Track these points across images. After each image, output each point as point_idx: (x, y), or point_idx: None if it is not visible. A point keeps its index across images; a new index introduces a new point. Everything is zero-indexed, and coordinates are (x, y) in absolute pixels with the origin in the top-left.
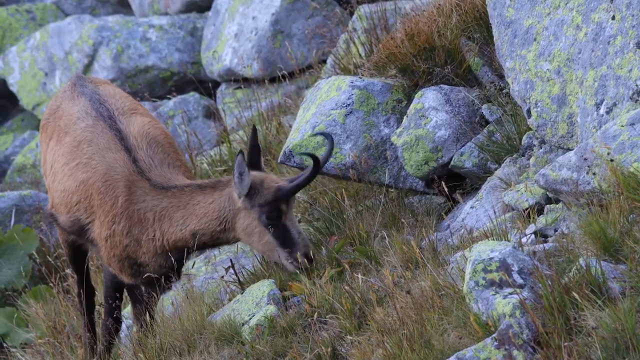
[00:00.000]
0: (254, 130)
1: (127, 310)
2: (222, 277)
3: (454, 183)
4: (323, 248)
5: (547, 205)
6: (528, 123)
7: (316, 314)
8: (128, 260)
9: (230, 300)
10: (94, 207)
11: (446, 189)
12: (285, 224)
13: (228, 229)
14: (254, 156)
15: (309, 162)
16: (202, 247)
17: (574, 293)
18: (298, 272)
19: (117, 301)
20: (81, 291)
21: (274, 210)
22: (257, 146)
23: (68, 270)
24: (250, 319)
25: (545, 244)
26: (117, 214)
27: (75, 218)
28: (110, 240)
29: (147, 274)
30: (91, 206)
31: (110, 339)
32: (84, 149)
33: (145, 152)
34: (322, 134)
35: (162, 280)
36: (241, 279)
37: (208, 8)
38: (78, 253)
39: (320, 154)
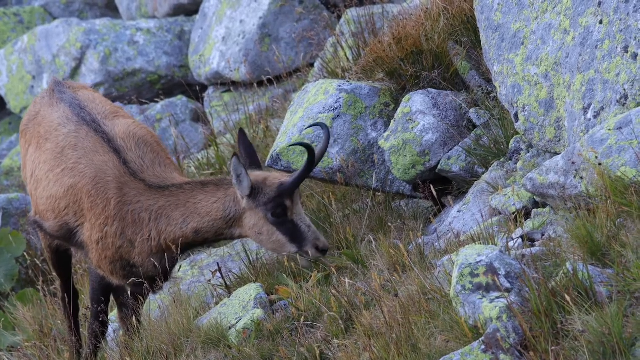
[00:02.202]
0: (242, 132)
1: (113, 314)
2: (209, 280)
3: (441, 187)
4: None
5: (535, 209)
6: (515, 127)
7: (303, 317)
8: (121, 261)
9: (217, 303)
10: (84, 210)
11: (435, 193)
12: (293, 219)
13: (234, 227)
14: (252, 156)
15: (297, 165)
16: (204, 242)
17: (566, 296)
18: (312, 265)
19: (103, 305)
20: (65, 295)
21: (279, 207)
22: (250, 145)
23: (53, 273)
24: (237, 322)
25: (532, 248)
26: (109, 216)
27: (64, 222)
28: (102, 242)
29: (139, 274)
30: (81, 209)
31: (97, 343)
32: (68, 154)
33: (135, 153)
34: (318, 124)
35: (156, 281)
36: (228, 283)
37: (196, 11)
38: (62, 258)
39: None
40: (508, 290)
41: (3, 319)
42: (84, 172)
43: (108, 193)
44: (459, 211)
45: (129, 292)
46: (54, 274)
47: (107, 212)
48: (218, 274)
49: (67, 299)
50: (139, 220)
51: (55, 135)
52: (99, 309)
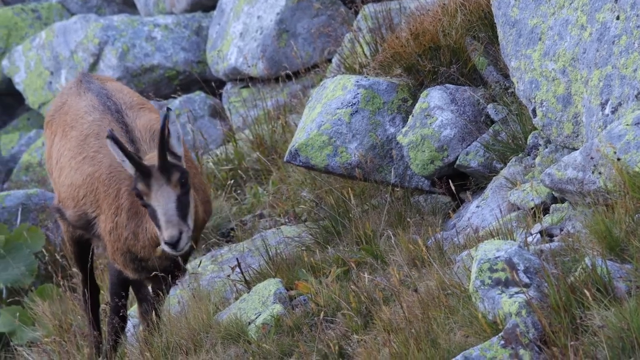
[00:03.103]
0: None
1: (133, 309)
2: (229, 275)
3: (459, 182)
4: (329, 247)
5: (553, 205)
6: (533, 122)
7: (322, 313)
8: (129, 254)
9: (236, 299)
10: (100, 200)
11: (453, 188)
12: (150, 204)
13: None
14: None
15: (315, 161)
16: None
17: (584, 291)
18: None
19: (122, 299)
20: (85, 290)
21: (134, 190)
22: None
23: (74, 269)
24: (256, 317)
25: (551, 243)
26: (119, 206)
27: (82, 212)
28: (113, 233)
29: (148, 269)
30: (97, 200)
31: (116, 338)
32: (90, 142)
33: (148, 145)
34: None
35: (169, 277)
36: (247, 278)
37: (213, 7)
38: (83, 250)
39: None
40: (527, 286)
41: (22, 315)
42: (102, 161)
43: (119, 183)
44: (477, 206)
45: (149, 287)
46: (75, 267)
47: (118, 201)
48: (237, 269)
49: (87, 294)
50: (140, 212)
51: (80, 123)
52: (119, 303)
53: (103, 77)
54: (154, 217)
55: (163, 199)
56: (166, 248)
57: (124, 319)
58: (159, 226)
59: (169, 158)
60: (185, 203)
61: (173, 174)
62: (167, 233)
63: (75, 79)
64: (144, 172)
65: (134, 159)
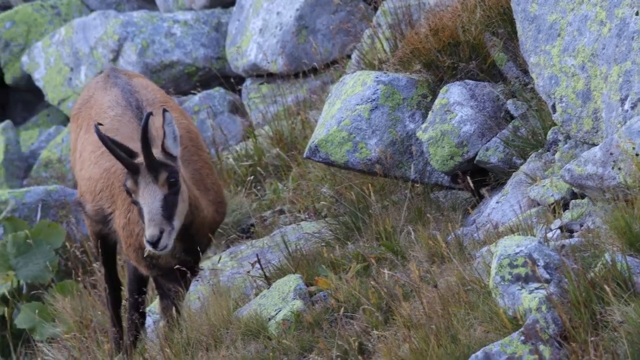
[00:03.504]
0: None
1: (153, 305)
2: (249, 272)
3: (479, 178)
4: (348, 243)
5: (573, 200)
6: (553, 118)
7: (342, 308)
8: (141, 250)
9: (256, 295)
10: (115, 195)
11: (472, 184)
12: (138, 201)
13: None
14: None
15: (335, 157)
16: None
17: (604, 286)
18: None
19: (141, 295)
20: (107, 285)
21: (125, 189)
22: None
23: (95, 265)
24: (276, 313)
25: (570, 239)
26: (130, 200)
27: (99, 207)
28: (126, 228)
29: (163, 267)
30: (112, 195)
31: (136, 334)
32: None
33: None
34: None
35: (188, 274)
36: (267, 274)
37: (232, 3)
38: (106, 245)
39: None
40: (547, 281)
41: (43, 311)
42: None
43: None
44: (497, 202)
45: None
46: (98, 262)
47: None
48: (257, 265)
49: (108, 289)
50: None
51: (103, 118)
52: (138, 300)
53: (131, 72)
54: (140, 214)
55: (149, 197)
56: (147, 246)
57: (143, 315)
58: (143, 222)
59: (162, 158)
60: (172, 203)
61: (161, 173)
62: (148, 232)
63: (103, 73)
64: (132, 169)
65: (120, 156)
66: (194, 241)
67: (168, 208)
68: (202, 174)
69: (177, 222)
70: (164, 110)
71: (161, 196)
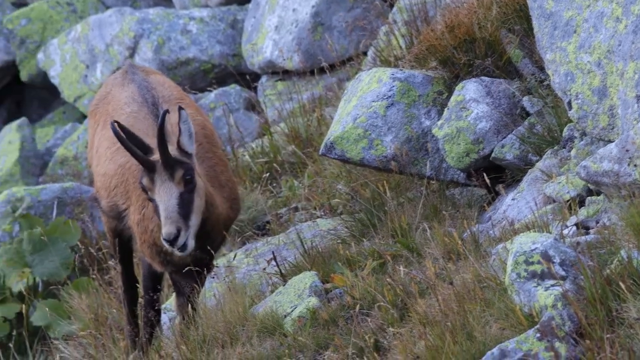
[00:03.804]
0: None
1: (169, 302)
2: (264, 269)
3: (495, 175)
4: (364, 240)
5: (589, 197)
6: (569, 115)
7: (358, 306)
8: (155, 247)
9: (272, 292)
10: (129, 191)
11: (488, 181)
12: (154, 199)
13: None
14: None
15: (350, 154)
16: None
17: (620, 283)
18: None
19: (156, 292)
20: (123, 282)
21: (140, 187)
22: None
23: (110, 262)
24: (292, 310)
25: (586, 236)
26: (147, 197)
27: (114, 203)
28: (141, 224)
29: (177, 263)
30: (127, 191)
31: (151, 331)
32: None
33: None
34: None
35: (204, 272)
36: (283, 271)
37: (248, 0)
38: (121, 242)
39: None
40: (563, 278)
41: (59, 308)
42: None
43: None
44: (513, 199)
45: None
46: (114, 259)
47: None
48: (273, 263)
49: (124, 287)
50: None
51: (119, 114)
52: (154, 297)
53: (149, 69)
54: (157, 212)
55: (165, 195)
56: (165, 244)
57: (158, 312)
58: (160, 222)
59: (178, 155)
60: (188, 200)
61: (177, 170)
62: (164, 229)
63: (122, 70)
64: (148, 167)
65: (136, 153)
66: (209, 238)
67: (184, 206)
68: (217, 170)
69: (194, 220)
70: (180, 108)
71: (177, 194)
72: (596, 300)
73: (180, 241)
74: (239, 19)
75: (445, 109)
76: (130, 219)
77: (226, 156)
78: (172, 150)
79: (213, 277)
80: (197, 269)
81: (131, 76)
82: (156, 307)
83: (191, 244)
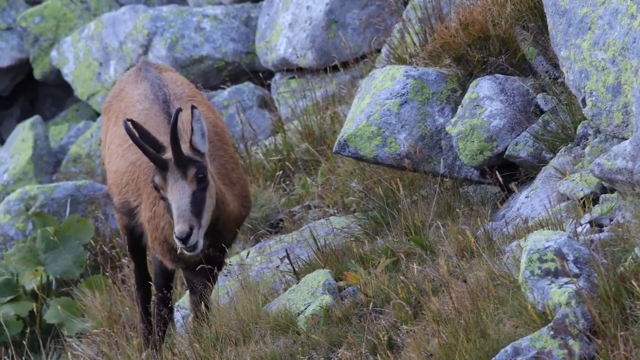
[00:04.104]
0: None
1: (182, 300)
2: (278, 266)
3: (508, 172)
4: (378, 238)
5: (603, 195)
6: (583, 112)
7: (371, 303)
8: (166, 244)
9: (285, 290)
10: (140, 189)
11: (500, 179)
12: (167, 197)
13: None
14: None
15: (364, 151)
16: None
17: (633, 281)
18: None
19: (168, 290)
20: (136, 280)
21: (152, 185)
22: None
23: (124, 260)
24: (305, 308)
25: (600, 234)
26: (158, 195)
27: (125, 200)
28: (152, 222)
29: (187, 261)
30: (138, 188)
31: (164, 328)
32: None
33: (188, 137)
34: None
35: (215, 270)
36: (296, 269)
37: None
38: (134, 239)
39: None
40: (577, 276)
41: (72, 306)
42: None
43: None
44: (527, 197)
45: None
46: (127, 257)
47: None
48: (286, 260)
49: (137, 284)
50: None
51: (132, 111)
52: (167, 294)
53: (163, 66)
54: (169, 210)
55: (178, 193)
56: (177, 243)
57: (171, 310)
58: (172, 220)
59: (190, 154)
60: (200, 199)
61: (190, 169)
62: (177, 228)
63: (135, 67)
64: (160, 165)
65: (148, 152)
66: (221, 236)
67: (197, 204)
68: (228, 168)
69: (206, 219)
70: (193, 107)
71: (190, 192)
72: (610, 297)
73: (193, 239)
74: (253, 16)
75: (459, 107)
76: (142, 216)
77: (237, 154)
78: (185, 148)
79: (226, 275)
80: (208, 266)
81: (144, 73)
82: (169, 305)
83: (201, 243)
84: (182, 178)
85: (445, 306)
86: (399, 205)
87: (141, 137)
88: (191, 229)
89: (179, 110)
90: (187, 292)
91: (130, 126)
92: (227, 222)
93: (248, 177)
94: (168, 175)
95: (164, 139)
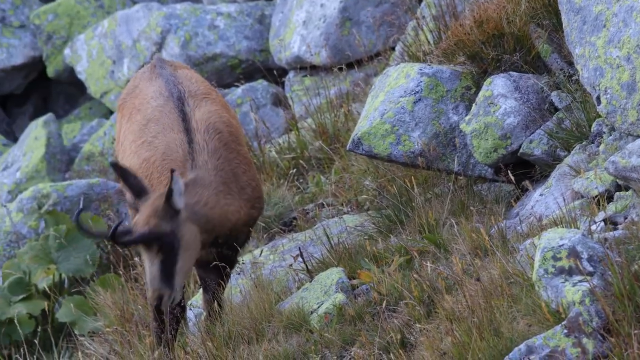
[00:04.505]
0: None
1: (195, 298)
2: (291, 265)
3: (523, 170)
4: (391, 236)
5: (617, 193)
6: (597, 110)
7: (385, 302)
8: None
9: (298, 288)
10: (153, 186)
11: (512, 178)
12: (144, 264)
13: None
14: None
15: (378, 149)
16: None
17: None
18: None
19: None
20: None
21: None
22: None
23: (136, 259)
24: (318, 307)
25: (614, 232)
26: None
27: None
28: None
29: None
30: (151, 186)
31: (176, 326)
32: (151, 127)
33: (202, 136)
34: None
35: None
36: (309, 267)
37: None
38: None
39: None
40: (590, 274)
41: (84, 304)
42: (157, 147)
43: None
44: (541, 195)
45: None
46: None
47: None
48: (299, 259)
49: None
50: None
51: (145, 108)
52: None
53: (178, 63)
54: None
55: (148, 262)
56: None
57: (183, 308)
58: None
59: (159, 224)
60: (171, 264)
61: (153, 245)
62: (148, 295)
63: (150, 64)
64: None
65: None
66: (231, 237)
67: (167, 270)
68: (238, 172)
69: (179, 280)
70: (172, 170)
71: (158, 262)
72: (624, 296)
73: (165, 304)
74: (267, 14)
75: (473, 104)
76: None
77: (251, 153)
78: (153, 220)
79: (239, 274)
80: (222, 264)
81: (159, 70)
82: (181, 303)
83: (178, 299)
84: (148, 250)
85: (459, 304)
86: (413, 203)
87: (128, 178)
88: (161, 296)
89: (170, 190)
90: (200, 290)
91: (118, 166)
92: (235, 228)
93: (262, 176)
94: (143, 248)
95: (177, 136)
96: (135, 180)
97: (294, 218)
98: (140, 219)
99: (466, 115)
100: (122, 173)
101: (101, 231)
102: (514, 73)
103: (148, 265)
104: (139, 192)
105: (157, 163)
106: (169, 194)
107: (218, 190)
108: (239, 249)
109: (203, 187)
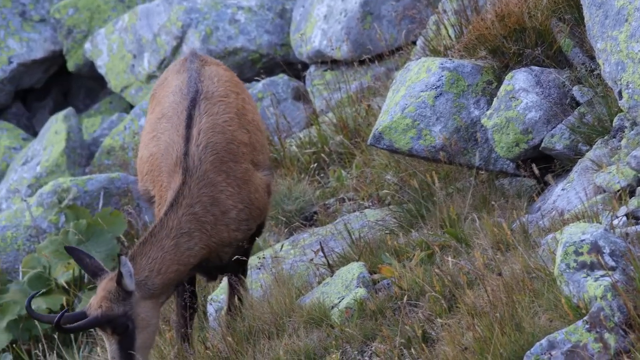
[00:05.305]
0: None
1: (215, 293)
2: (312, 259)
3: (544, 165)
4: (412, 230)
5: (639, 187)
6: (619, 104)
7: (406, 296)
8: None
9: (319, 283)
10: (156, 181)
11: (536, 171)
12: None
13: None
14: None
15: (399, 144)
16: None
17: None
18: None
19: (189, 284)
20: None
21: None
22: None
23: None
24: (339, 302)
25: (637, 226)
26: (161, 196)
27: (145, 188)
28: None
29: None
30: (154, 179)
31: (185, 313)
32: (162, 122)
33: (198, 152)
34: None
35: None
36: (330, 262)
37: None
38: None
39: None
40: (612, 269)
41: None
42: (161, 144)
43: (161, 175)
44: (563, 189)
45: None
46: None
47: (161, 191)
48: (320, 253)
49: None
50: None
51: (164, 101)
52: (191, 289)
53: (209, 59)
54: None
55: (106, 342)
56: None
57: (194, 294)
58: None
59: (111, 307)
60: (127, 344)
61: (107, 329)
62: None
63: (184, 56)
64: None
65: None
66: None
67: (125, 349)
68: (221, 198)
69: (141, 356)
70: (119, 254)
71: (115, 342)
72: None
73: None
74: (288, 8)
75: (495, 99)
76: (156, 208)
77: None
78: (105, 304)
79: (259, 268)
80: (243, 258)
81: (188, 65)
82: (192, 289)
83: None
84: (104, 332)
85: (480, 299)
86: (434, 198)
87: (82, 261)
88: None
89: (122, 256)
90: (220, 284)
91: (71, 250)
92: (215, 253)
93: (282, 171)
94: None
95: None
96: (91, 261)
97: (315, 212)
98: (93, 302)
99: (487, 109)
100: (76, 255)
101: (49, 317)
102: (536, 67)
103: (107, 345)
104: (94, 272)
105: (158, 161)
106: (119, 278)
107: (180, 233)
108: (255, 238)
109: (160, 240)
